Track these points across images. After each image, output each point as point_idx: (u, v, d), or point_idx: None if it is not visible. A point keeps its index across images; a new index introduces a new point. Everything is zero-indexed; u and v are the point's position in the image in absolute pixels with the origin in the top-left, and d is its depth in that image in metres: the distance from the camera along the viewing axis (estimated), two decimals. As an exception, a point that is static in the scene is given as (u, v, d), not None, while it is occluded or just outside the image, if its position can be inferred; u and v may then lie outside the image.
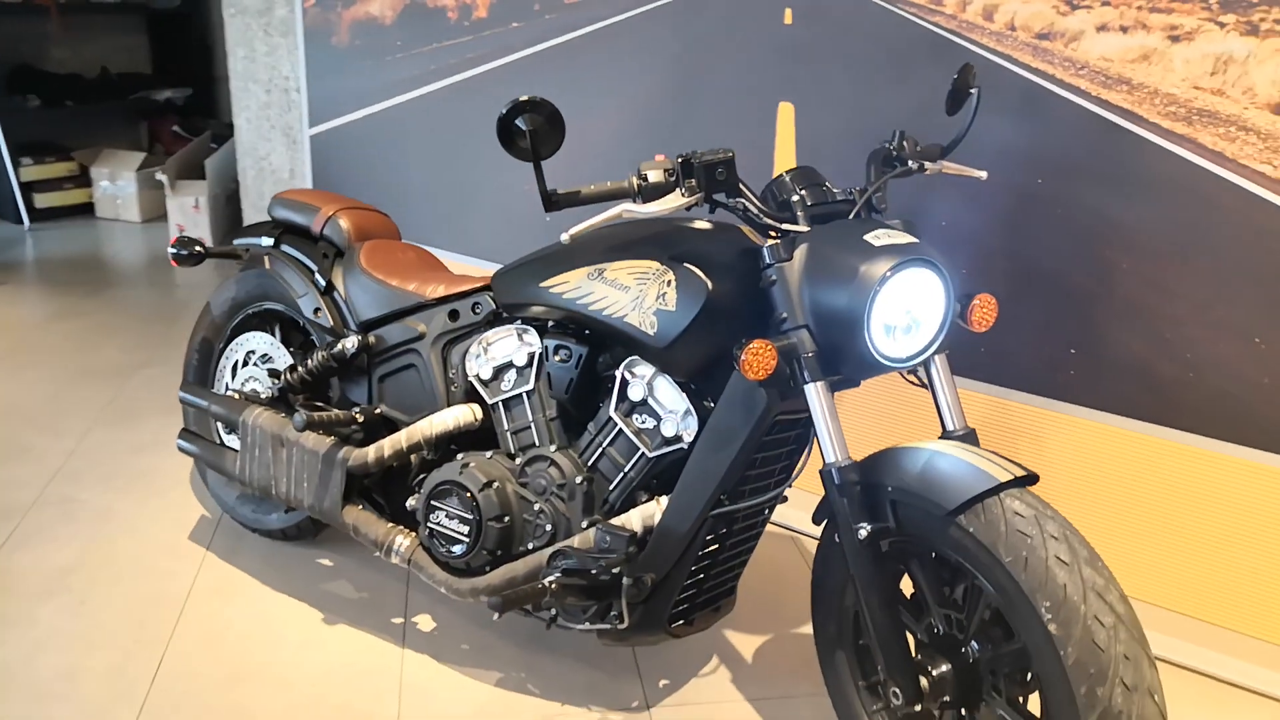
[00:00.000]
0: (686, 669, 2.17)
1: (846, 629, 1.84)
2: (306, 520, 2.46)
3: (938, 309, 1.66)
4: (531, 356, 2.02)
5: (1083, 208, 2.23)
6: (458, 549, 1.99)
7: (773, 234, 1.74)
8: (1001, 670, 1.59)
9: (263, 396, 2.35)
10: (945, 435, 1.77)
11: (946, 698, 1.62)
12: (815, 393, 1.66)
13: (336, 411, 2.11)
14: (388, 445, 2.09)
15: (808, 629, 2.32)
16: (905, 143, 1.85)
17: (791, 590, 2.47)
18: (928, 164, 1.85)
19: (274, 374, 2.47)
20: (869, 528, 1.62)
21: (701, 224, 1.86)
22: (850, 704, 1.86)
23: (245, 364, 2.52)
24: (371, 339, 2.21)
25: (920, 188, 2.41)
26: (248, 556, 2.51)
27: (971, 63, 1.89)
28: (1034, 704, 1.59)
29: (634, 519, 1.86)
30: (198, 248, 2.41)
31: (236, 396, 2.35)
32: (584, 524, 1.93)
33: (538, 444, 2.01)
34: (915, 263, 1.62)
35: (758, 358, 1.61)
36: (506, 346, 2.05)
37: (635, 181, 1.72)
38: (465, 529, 1.99)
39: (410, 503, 2.09)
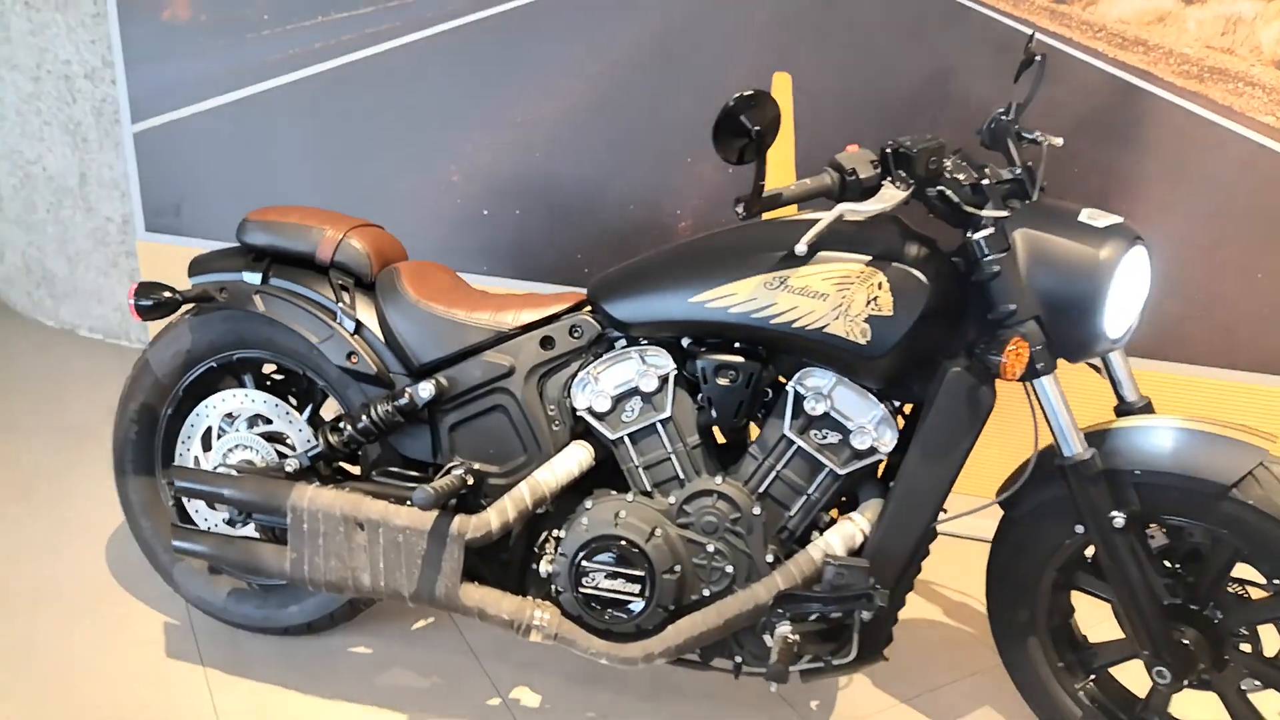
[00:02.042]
0: (823, 687, 2.06)
1: (1041, 614, 1.82)
2: (342, 607, 2.04)
3: (1145, 285, 1.65)
4: (663, 380, 1.78)
5: (1098, 165, 2.33)
6: (632, 608, 1.73)
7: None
8: (1241, 629, 1.65)
9: (289, 468, 1.89)
10: (1123, 406, 1.79)
11: (1201, 665, 1.65)
12: (1050, 385, 1.61)
13: (451, 477, 1.74)
14: (510, 506, 1.76)
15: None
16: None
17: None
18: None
19: (272, 438, 2.00)
20: (1124, 515, 1.60)
21: (857, 217, 1.71)
22: (1047, 686, 1.84)
23: (221, 432, 2.02)
24: (444, 382, 1.84)
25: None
26: (261, 664, 2.04)
27: (1035, 33, 1.89)
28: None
29: (835, 544, 1.71)
30: (166, 294, 1.87)
31: (261, 472, 1.87)
32: (769, 558, 1.75)
33: (683, 477, 1.78)
34: (1137, 241, 1.60)
35: (1019, 358, 1.52)
36: (624, 372, 1.79)
37: (838, 177, 1.55)
38: (636, 587, 1.73)
39: (546, 568, 1.79)
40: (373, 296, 1.94)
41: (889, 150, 1.57)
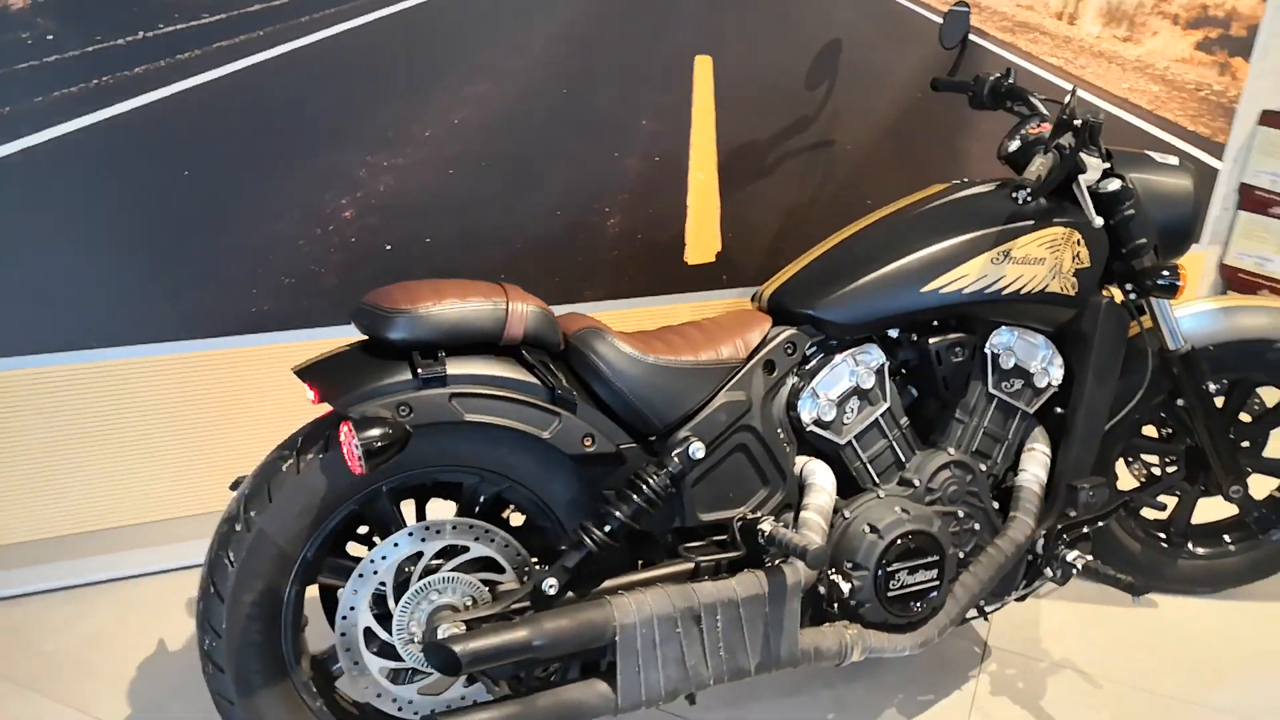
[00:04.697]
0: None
1: (1110, 480, 2.25)
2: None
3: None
4: (878, 373, 1.83)
5: (948, 112, 2.76)
6: (932, 595, 1.79)
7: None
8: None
9: (548, 590, 1.55)
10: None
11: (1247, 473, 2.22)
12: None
13: (780, 525, 1.62)
14: (817, 535, 1.69)
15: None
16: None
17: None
18: None
19: (474, 567, 1.62)
20: (1214, 385, 2.07)
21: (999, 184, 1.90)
22: (1114, 534, 2.29)
23: (400, 588, 1.58)
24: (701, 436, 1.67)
25: (801, 111, 2.64)
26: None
27: (967, 8, 2.24)
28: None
29: (1040, 474, 1.94)
30: (383, 432, 1.37)
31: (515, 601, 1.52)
32: (994, 505, 1.93)
33: (903, 458, 1.88)
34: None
35: (1186, 277, 1.87)
36: (840, 375, 1.81)
37: (1057, 156, 1.73)
38: (933, 573, 1.79)
39: (845, 586, 1.74)
40: (563, 365, 1.65)
41: (1085, 125, 1.79)
